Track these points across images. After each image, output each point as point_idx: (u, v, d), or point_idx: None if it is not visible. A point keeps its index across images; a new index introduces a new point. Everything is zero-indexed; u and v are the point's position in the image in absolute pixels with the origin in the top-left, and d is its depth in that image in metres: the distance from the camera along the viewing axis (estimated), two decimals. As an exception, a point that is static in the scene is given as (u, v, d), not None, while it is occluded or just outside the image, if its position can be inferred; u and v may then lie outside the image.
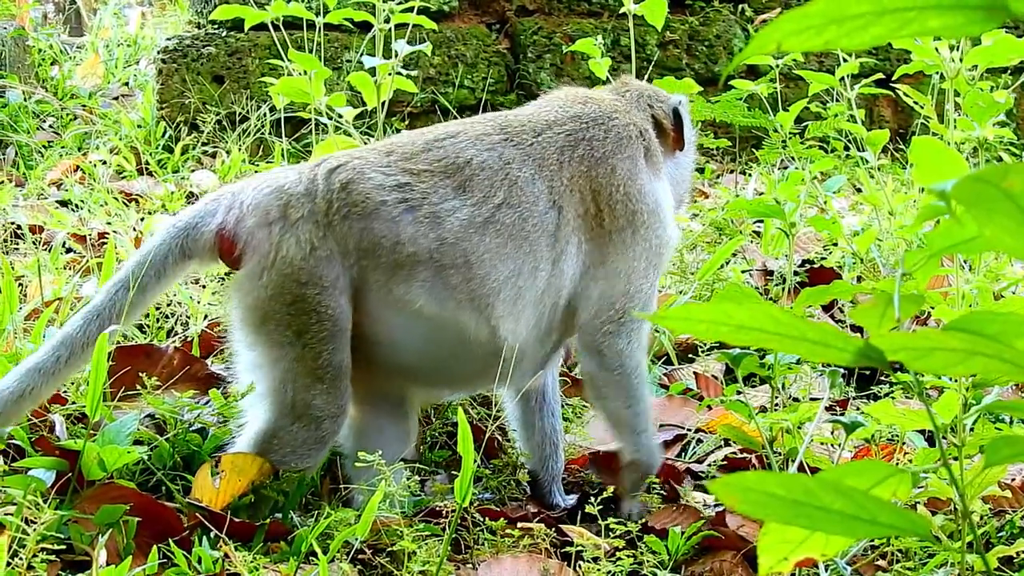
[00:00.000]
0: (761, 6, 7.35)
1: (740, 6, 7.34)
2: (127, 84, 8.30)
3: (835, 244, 4.63)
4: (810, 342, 1.63)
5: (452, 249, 2.98)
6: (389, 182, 3.01)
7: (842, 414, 3.57)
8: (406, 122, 6.84)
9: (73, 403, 3.05)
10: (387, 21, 3.80)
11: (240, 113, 6.55)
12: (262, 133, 6.39)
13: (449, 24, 7.08)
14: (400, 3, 3.93)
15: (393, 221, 2.97)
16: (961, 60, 3.55)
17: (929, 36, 1.48)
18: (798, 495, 1.56)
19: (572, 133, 3.22)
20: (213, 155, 6.42)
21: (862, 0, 1.50)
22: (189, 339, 3.57)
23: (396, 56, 3.52)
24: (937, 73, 4.14)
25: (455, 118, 6.78)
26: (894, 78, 4.43)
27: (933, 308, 2.86)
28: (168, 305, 3.74)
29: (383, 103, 3.75)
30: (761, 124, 4.68)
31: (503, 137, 3.16)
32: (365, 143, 3.70)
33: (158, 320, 3.67)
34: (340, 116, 3.74)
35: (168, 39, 6.98)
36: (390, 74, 3.70)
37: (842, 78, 4.61)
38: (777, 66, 4.90)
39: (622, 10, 4.22)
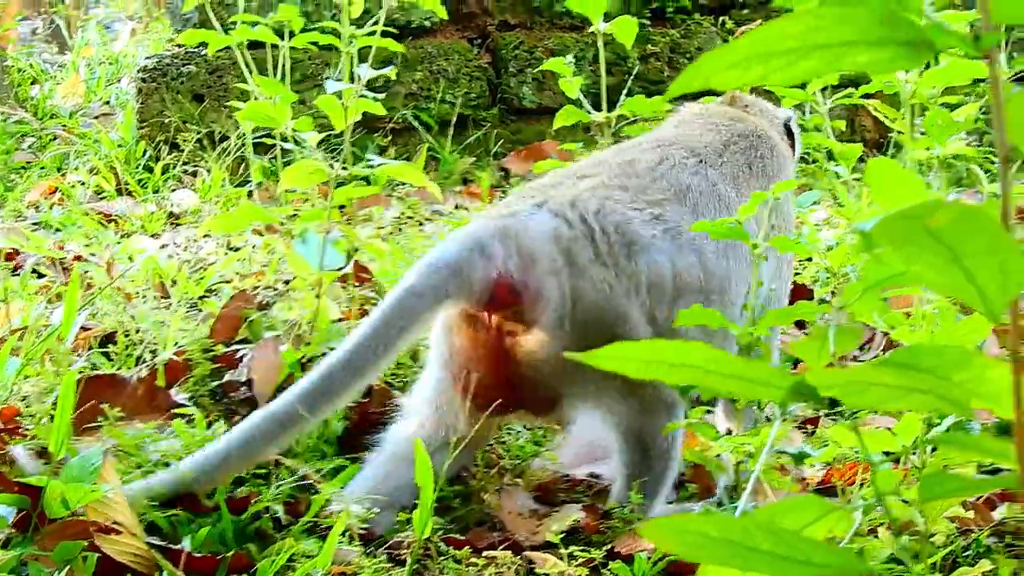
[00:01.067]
0: (742, 18, 7.35)
1: (721, 18, 7.33)
2: (108, 103, 8.28)
3: (809, 259, 4.62)
4: (745, 380, 1.63)
5: (712, 276, 3.00)
6: (646, 216, 2.97)
7: (813, 431, 3.55)
8: (389, 138, 6.83)
9: (34, 437, 3.02)
10: (351, 43, 3.78)
11: (220, 132, 6.54)
12: (242, 152, 6.38)
13: (431, 39, 7.08)
14: (376, 22, 3.91)
15: (668, 252, 2.95)
16: (920, 78, 3.58)
17: (859, 71, 1.47)
18: (733, 535, 1.55)
19: (745, 152, 3.29)
20: (194, 174, 6.41)
21: (788, 37, 1.50)
22: (155, 368, 3.54)
23: (358, 80, 3.51)
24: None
25: (438, 134, 6.82)
26: (856, 96, 4.43)
27: (893, 329, 2.85)
28: (136, 332, 3.72)
29: (351, 126, 3.73)
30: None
31: (699, 160, 3.17)
32: (331, 166, 3.68)
33: (127, 348, 3.64)
34: (305, 141, 3.73)
35: (147, 57, 6.97)
36: (357, 97, 3.68)
37: (816, 91, 4.60)
38: (751, 80, 4.88)
39: (591, 28, 4.19)
